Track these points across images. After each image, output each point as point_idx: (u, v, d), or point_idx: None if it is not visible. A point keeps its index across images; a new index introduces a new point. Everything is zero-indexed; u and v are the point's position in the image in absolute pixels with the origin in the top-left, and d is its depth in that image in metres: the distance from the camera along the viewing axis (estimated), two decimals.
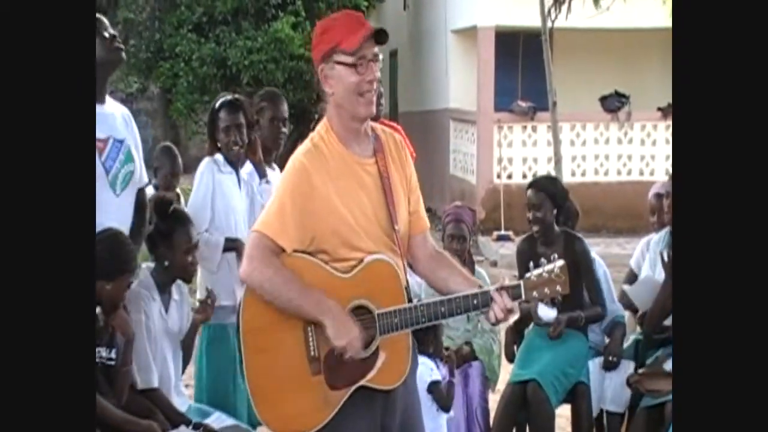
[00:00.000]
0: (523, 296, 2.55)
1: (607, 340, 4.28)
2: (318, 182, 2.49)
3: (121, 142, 3.47)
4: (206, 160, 3.90)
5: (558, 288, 2.55)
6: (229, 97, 3.98)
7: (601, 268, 4.35)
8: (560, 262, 2.56)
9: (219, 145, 3.89)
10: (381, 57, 2.55)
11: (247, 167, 4.00)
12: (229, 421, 3.44)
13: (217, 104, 3.94)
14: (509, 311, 2.53)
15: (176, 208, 3.47)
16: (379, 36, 2.51)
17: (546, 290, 2.55)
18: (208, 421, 3.37)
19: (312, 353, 2.50)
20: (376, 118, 3.55)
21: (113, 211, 3.31)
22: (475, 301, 2.52)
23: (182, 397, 3.53)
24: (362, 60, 2.48)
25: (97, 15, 3.45)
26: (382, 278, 2.52)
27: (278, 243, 2.48)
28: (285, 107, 4.15)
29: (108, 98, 3.60)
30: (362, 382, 2.50)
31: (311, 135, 2.63)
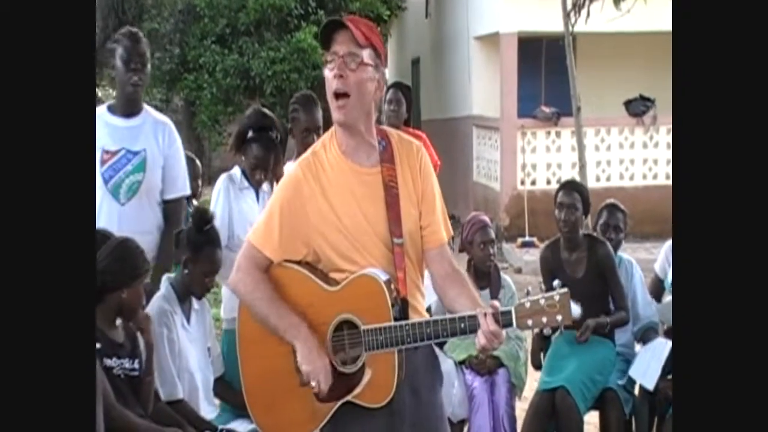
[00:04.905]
0: (515, 324, 2.38)
1: (638, 346, 4.25)
2: (308, 193, 2.46)
3: (136, 153, 3.53)
4: (222, 177, 3.87)
5: (558, 317, 2.37)
6: (261, 121, 3.84)
7: (638, 272, 4.37)
8: (563, 290, 2.38)
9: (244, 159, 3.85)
10: (361, 57, 2.40)
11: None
12: (248, 426, 3.44)
13: (248, 123, 3.86)
14: (495, 337, 2.37)
15: (213, 227, 3.47)
16: (329, 26, 2.42)
17: (543, 319, 2.37)
18: (231, 425, 3.39)
19: (299, 365, 2.46)
20: (398, 126, 3.47)
21: (118, 219, 3.43)
22: (462, 325, 2.39)
23: (212, 405, 3.54)
24: (333, 55, 2.42)
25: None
26: (366, 294, 2.42)
27: (264, 253, 2.48)
28: (318, 115, 4.05)
29: (148, 109, 3.72)
30: (348, 398, 2.44)
31: (316, 142, 2.62)
